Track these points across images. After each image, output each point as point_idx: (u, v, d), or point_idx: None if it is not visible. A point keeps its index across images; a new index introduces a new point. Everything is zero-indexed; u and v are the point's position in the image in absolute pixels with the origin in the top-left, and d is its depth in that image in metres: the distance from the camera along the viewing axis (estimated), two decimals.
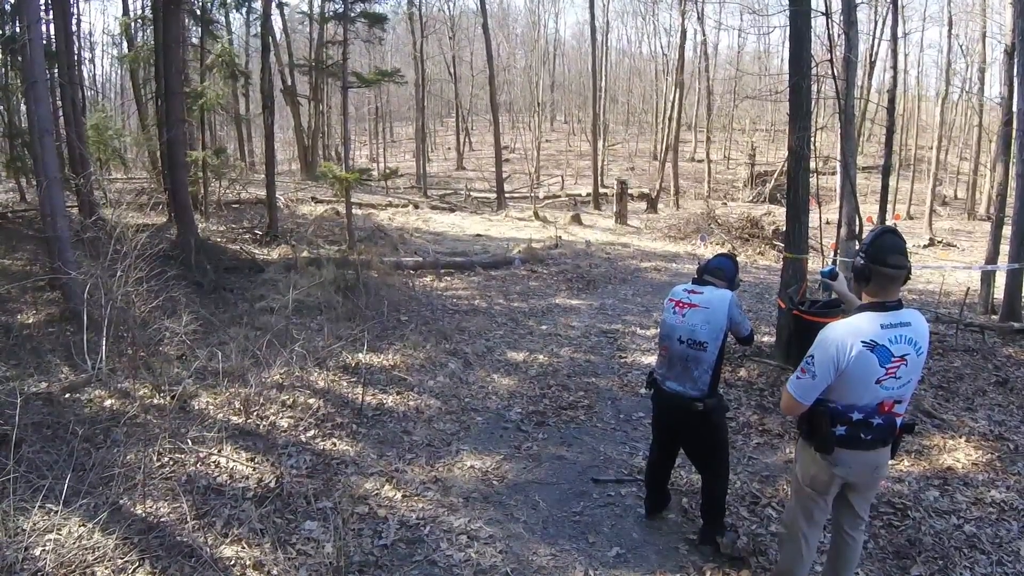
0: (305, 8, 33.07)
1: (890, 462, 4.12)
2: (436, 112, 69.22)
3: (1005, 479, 6.24)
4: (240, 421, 6.65)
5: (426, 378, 8.40)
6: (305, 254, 13.64)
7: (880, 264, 3.56)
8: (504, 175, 34.61)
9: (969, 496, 5.91)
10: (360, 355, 8.64)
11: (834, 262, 13.00)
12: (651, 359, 9.75)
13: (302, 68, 26.81)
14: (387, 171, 22.12)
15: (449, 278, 14.33)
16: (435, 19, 48.49)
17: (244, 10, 19.90)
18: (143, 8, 23.58)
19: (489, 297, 13.05)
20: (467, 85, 59.65)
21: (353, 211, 16.31)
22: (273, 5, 20.27)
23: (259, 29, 19.90)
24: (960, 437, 7.11)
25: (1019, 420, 7.83)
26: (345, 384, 7.95)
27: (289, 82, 32.94)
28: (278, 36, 33.13)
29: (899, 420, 3.75)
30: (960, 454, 6.76)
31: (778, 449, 6.88)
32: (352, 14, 15.43)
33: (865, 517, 4.13)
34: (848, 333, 3.57)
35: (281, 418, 6.80)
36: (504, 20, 69.85)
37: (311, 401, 7.26)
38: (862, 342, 3.52)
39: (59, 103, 14.22)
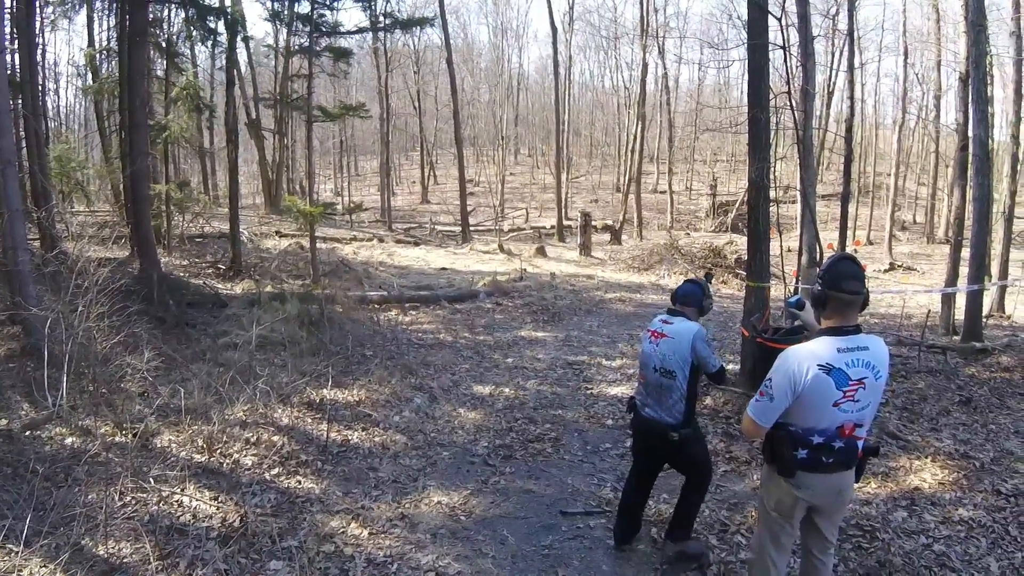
0: (270, 42, 33.05)
1: (856, 485, 4.16)
2: (401, 146, 69.49)
3: (972, 497, 6.33)
4: (203, 459, 6.57)
5: (391, 413, 8.35)
6: (269, 289, 13.55)
7: (836, 290, 3.66)
8: (469, 208, 34.73)
9: (937, 515, 6.00)
10: (325, 391, 8.59)
11: (796, 291, 13.17)
12: (617, 390, 9.91)
13: (267, 102, 26.77)
14: (352, 205, 22.17)
15: (414, 312, 14.33)
16: (400, 53, 48.72)
17: (210, 43, 19.78)
18: (108, 40, 23.39)
19: (454, 331, 13.05)
20: (432, 119, 59.89)
21: (317, 245, 16.29)
22: (238, 39, 20.22)
23: (224, 62, 19.89)
24: (926, 457, 7.22)
25: (983, 438, 7.99)
26: (310, 421, 7.88)
27: (254, 115, 32.80)
28: (243, 70, 33.16)
29: (860, 443, 3.80)
30: (927, 474, 6.87)
31: (745, 476, 6.95)
32: (317, 48, 15.50)
33: (833, 541, 4.15)
34: (805, 357, 3.66)
35: (245, 456, 6.73)
36: (469, 55, 70.35)
37: (275, 438, 7.19)
38: (818, 365, 3.60)
39: (22, 134, 14.09)
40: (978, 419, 8.63)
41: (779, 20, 10.10)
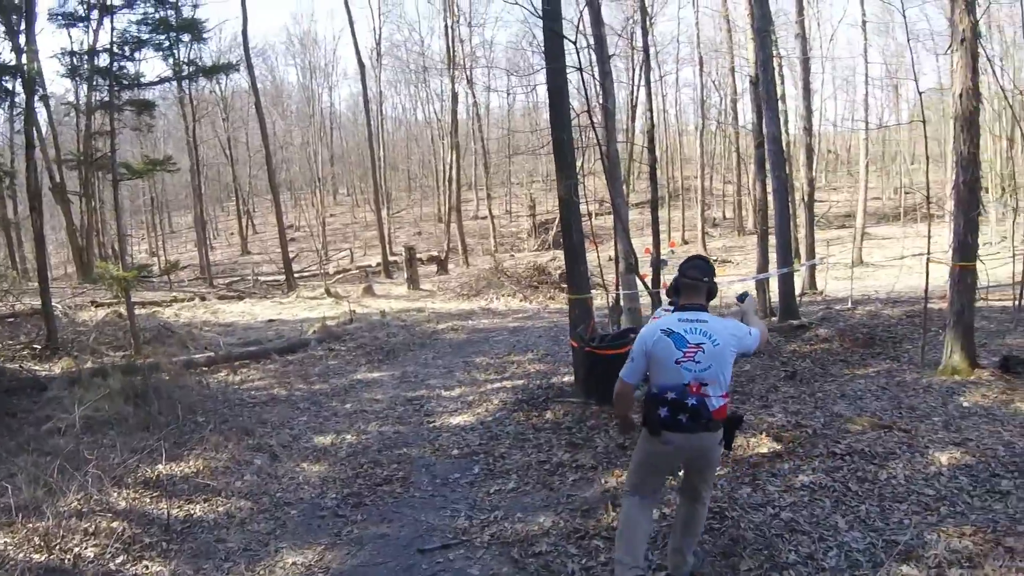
0: (71, 99, 31.69)
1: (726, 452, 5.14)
2: (215, 197, 67.90)
3: (810, 462, 6.86)
4: (43, 558, 6.27)
5: (233, 479, 8.17)
6: (89, 364, 12.99)
7: (682, 276, 4.82)
8: (291, 255, 34.26)
9: (780, 485, 6.44)
10: (160, 466, 8.33)
11: (618, 298, 13.82)
12: (459, 419, 10.15)
13: (70, 163, 25.77)
14: (168, 265, 21.49)
15: (245, 370, 14.00)
16: (207, 101, 47.76)
17: (6, 105, 18.90)
18: None
19: (288, 383, 12.87)
20: (245, 167, 58.82)
21: (136, 311, 15.76)
22: (36, 98, 19.35)
23: (23, 124, 19.01)
24: (761, 434, 7.78)
25: (812, 407, 8.79)
26: (148, 500, 7.59)
27: (58, 178, 31.18)
28: (44, 130, 31.55)
29: (711, 402, 4.54)
30: (764, 448, 7.40)
31: (594, 482, 7.19)
32: (118, 102, 15.07)
33: (704, 493, 5.00)
34: (654, 325, 4.78)
35: (86, 548, 6.47)
36: (278, 97, 69.43)
37: (115, 524, 6.90)
38: (661, 330, 4.62)
39: None
40: (805, 390, 9.46)
41: (574, 43, 10.57)
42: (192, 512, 7.34)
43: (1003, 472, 6.29)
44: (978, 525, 5.37)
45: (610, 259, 16.81)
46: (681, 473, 5.22)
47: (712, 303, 4.91)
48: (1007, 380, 9.04)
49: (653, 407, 4.61)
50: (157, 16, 15.74)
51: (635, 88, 40.05)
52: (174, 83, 29.64)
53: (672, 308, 5.02)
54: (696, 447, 4.65)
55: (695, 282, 4.78)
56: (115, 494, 7.67)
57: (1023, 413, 7.92)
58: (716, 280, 4.91)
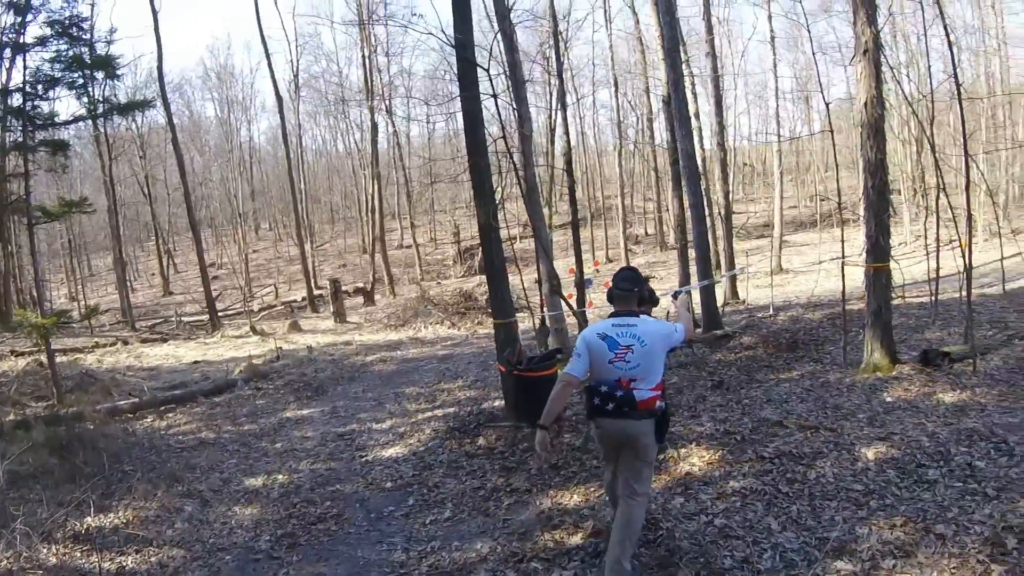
0: None
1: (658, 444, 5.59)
2: (135, 237, 66.67)
3: (740, 468, 7.00)
4: None
5: (164, 528, 7.97)
6: (11, 416, 12.64)
7: (614, 286, 5.57)
8: (215, 293, 33.76)
9: (712, 493, 6.55)
10: (88, 519, 8.11)
11: (544, 319, 13.93)
12: (391, 451, 10.10)
13: None
14: (88, 309, 21.05)
15: (171, 414, 13.67)
16: (124, 139, 46.91)
17: None
18: None
19: (216, 426, 12.61)
20: (164, 205, 57.86)
21: (58, 359, 15.33)
22: None
23: None
24: (691, 444, 7.92)
25: (740, 413, 8.97)
26: (79, 554, 7.36)
27: None
28: None
29: (639, 394, 5.24)
30: (695, 459, 7.52)
31: (529, 504, 7.21)
32: (32, 143, 14.72)
33: (635, 487, 5.37)
34: (592, 329, 5.50)
35: None
36: (196, 133, 68.33)
37: None
38: (597, 334, 5.36)
39: None
40: (732, 397, 9.64)
41: (487, 72, 10.64)
42: (124, 564, 7.15)
43: (929, 462, 6.48)
44: (908, 516, 5.53)
45: (535, 282, 16.92)
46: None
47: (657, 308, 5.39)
48: (928, 373, 9.33)
49: (589, 397, 5.41)
50: (70, 54, 15.44)
51: (553, 112, 40.45)
52: (89, 122, 29.12)
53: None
54: (622, 431, 5.34)
55: (626, 292, 5.53)
56: (45, 550, 7.43)
57: (945, 404, 8.19)
58: (650, 287, 5.30)
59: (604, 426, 5.41)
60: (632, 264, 37.26)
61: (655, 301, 6.24)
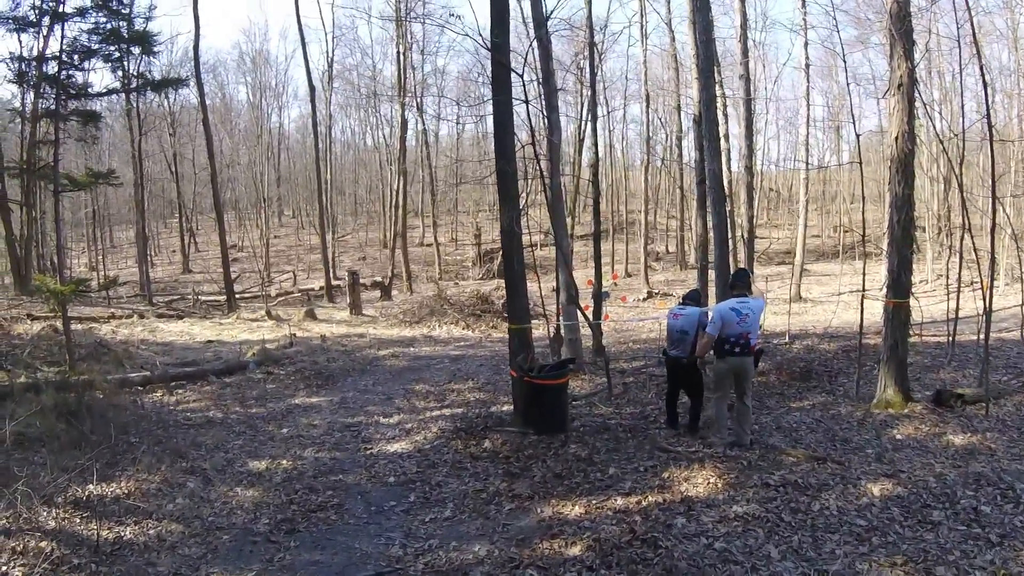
0: (17, 104, 30.95)
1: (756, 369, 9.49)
2: (159, 213, 66.84)
3: (744, 493, 6.97)
4: None
5: (164, 502, 8.02)
6: (23, 379, 12.70)
7: (737, 279, 9.22)
8: (234, 275, 33.77)
9: (714, 515, 6.52)
10: (91, 486, 8.14)
11: (559, 328, 13.94)
12: (397, 446, 10.13)
13: (12, 171, 25.10)
14: (107, 280, 21.16)
15: (181, 391, 13.71)
16: (155, 115, 47.11)
17: None
18: None
19: (225, 406, 12.66)
20: (190, 183, 58.10)
21: (73, 326, 15.40)
22: None
23: None
24: (695, 464, 7.94)
25: (748, 439, 8.87)
26: (78, 520, 7.41)
27: None
28: None
29: (752, 341, 8.71)
30: (699, 479, 7.51)
31: (530, 511, 7.22)
32: (64, 111, 14.84)
33: (748, 392, 8.86)
34: (725, 305, 8.88)
35: (14, 567, 6.28)
36: (227, 115, 68.53)
37: (43, 544, 6.70)
38: (729, 308, 8.72)
39: None
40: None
41: (521, 77, 10.67)
42: (122, 534, 7.19)
43: (934, 503, 6.45)
44: (909, 555, 5.51)
45: (553, 290, 16.93)
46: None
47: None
48: (939, 413, 9.29)
49: (721, 344, 8.70)
50: (109, 27, 15.58)
51: (583, 122, 40.43)
52: (122, 95, 29.18)
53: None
54: (742, 363, 8.70)
55: (744, 284, 9.15)
56: (45, 513, 7.47)
57: (955, 446, 8.16)
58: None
59: (731, 362, 8.68)
60: (650, 281, 37.48)
61: (751, 290, 9.52)
